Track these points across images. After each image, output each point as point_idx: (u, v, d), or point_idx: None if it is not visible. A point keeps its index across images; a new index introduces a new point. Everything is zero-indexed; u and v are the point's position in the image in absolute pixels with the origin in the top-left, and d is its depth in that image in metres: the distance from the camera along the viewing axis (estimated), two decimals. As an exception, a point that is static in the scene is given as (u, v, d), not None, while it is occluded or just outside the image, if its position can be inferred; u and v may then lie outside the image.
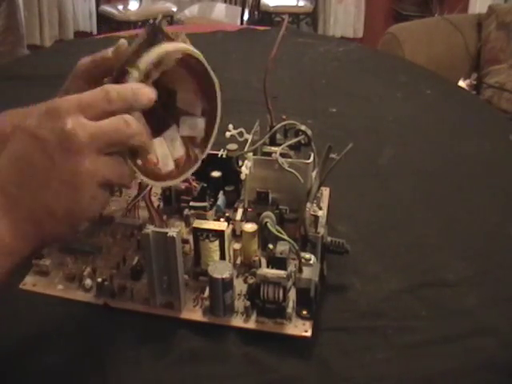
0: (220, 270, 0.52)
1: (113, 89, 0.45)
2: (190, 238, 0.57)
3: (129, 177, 0.48)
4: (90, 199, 0.45)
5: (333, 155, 0.58)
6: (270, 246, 0.54)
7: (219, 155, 0.64)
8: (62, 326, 0.53)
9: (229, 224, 0.57)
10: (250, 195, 0.60)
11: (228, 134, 0.59)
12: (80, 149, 0.43)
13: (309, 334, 0.51)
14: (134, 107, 0.46)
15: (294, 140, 0.59)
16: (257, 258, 0.57)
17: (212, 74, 0.51)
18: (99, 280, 0.55)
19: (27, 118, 0.44)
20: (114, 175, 0.46)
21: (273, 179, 0.59)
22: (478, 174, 0.78)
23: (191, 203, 0.62)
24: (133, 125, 0.46)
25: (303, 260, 0.52)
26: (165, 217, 0.61)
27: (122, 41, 0.52)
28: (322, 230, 0.56)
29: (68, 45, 1.78)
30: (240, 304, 0.54)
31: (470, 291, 0.58)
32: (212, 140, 0.53)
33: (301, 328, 0.52)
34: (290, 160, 0.58)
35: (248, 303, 0.53)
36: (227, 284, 0.52)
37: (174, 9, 3.12)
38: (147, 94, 0.47)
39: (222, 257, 0.55)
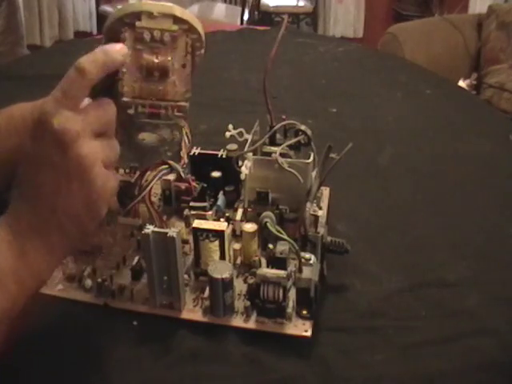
0: (220, 269, 0.52)
1: (82, 60, 0.45)
2: (190, 237, 0.57)
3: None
4: (102, 183, 0.45)
5: (333, 155, 0.58)
6: (270, 245, 0.54)
7: (219, 155, 0.64)
8: (62, 325, 0.53)
9: (229, 224, 0.57)
10: (250, 195, 0.60)
11: (228, 134, 0.59)
12: (73, 139, 0.44)
13: (309, 333, 0.51)
14: (110, 66, 0.47)
15: (294, 140, 0.59)
16: (257, 258, 0.57)
17: None
18: (99, 280, 0.55)
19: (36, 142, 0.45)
20: (113, 154, 0.47)
21: (273, 179, 0.59)
22: (478, 173, 0.78)
23: (191, 203, 0.62)
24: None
25: (303, 260, 0.52)
26: (165, 217, 0.61)
27: None
28: (321, 230, 0.56)
29: (68, 45, 1.78)
30: (240, 304, 0.54)
31: (470, 291, 0.58)
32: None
33: (301, 328, 0.52)
34: (289, 160, 0.58)
35: (248, 303, 0.53)
36: (227, 284, 0.52)
37: (174, 9, 3.11)
38: (118, 49, 0.47)
39: (222, 257, 0.55)
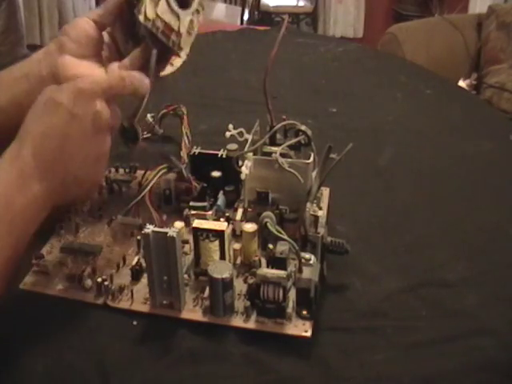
0: (220, 269, 0.52)
1: (127, 75, 0.54)
2: (190, 238, 0.57)
3: None
4: (104, 167, 0.55)
5: (333, 155, 0.58)
6: (270, 245, 0.54)
7: (219, 155, 0.64)
8: (62, 325, 0.53)
9: (229, 224, 0.57)
10: (250, 195, 0.60)
11: (228, 133, 0.59)
12: (105, 128, 0.53)
13: (309, 334, 0.51)
14: (137, 94, 0.55)
15: (294, 140, 0.59)
16: (257, 258, 0.57)
17: None
18: (99, 280, 0.55)
19: (60, 92, 0.52)
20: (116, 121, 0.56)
21: (273, 179, 0.59)
22: (478, 173, 0.78)
23: (191, 203, 0.62)
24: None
25: (303, 260, 0.52)
26: (165, 217, 0.61)
27: None
28: (322, 230, 0.56)
29: (68, 45, 1.77)
30: (240, 304, 0.54)
31: (469, 291, 0.58)
32: None
33: (301, 328, 0.52)
34: (290, 160, 0.58)
35: (248, 303, 0.53)
36: (227, 284, 0.52)
37: (174, 9, 3.11)
38: (146, 84, 0.55)
39: (222, 257, 0.55)
